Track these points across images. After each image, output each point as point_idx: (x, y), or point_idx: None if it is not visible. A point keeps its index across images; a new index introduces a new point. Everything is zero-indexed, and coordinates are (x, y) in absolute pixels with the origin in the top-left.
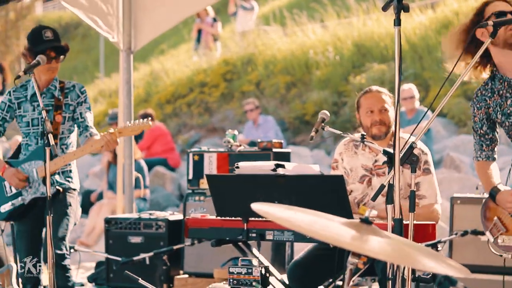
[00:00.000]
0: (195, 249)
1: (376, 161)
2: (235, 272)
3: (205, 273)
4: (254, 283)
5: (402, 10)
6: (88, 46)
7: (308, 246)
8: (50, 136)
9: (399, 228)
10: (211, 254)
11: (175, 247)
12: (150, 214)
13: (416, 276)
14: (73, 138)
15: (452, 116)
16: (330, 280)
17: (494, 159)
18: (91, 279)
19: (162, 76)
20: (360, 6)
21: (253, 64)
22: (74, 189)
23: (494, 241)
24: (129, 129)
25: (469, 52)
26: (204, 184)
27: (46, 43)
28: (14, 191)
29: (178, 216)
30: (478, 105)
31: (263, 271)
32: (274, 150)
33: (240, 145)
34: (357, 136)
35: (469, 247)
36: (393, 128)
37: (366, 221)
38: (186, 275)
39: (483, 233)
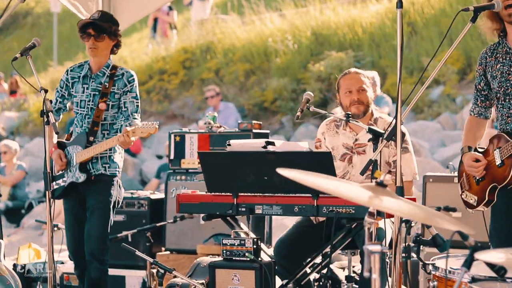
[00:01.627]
0: (177, 226)
1: (356, 139)
2: (229, 244)
3: (187, 250)
4: (247, 254)
5: None
6: (37, 35)
7: (292, 223)
8: (51, 115)
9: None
10: (193, 231)
11: (158, 224)
12: (132, 193)
13: (418, 238)
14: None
15: (408, 103)
16: (318, 252)
17: (486, 118)
18: None
19: (121, 64)
20: None
21: (212, 52)
22: (110, 175)
23: (461, 194)
24: (140, 130)
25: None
26: (185, 164)
27: (84, 22)
28: (59, 171)
29: (160, 195)
30: (479, 61)
31: (256, 243)
32: (254, 131)
33: (220, 126)
34: (340, 116)
35: None
36: (371, 108)
37: (381, 184)
38: (168, 252)
39: (455, 210)
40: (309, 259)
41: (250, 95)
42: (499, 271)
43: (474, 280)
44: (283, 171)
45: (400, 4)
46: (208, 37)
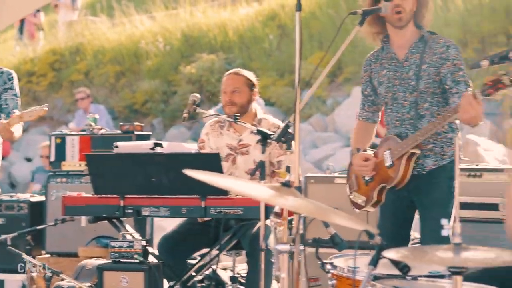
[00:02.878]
0: (57, 229)
1: (240, 140)
2: (117, 246)
3: (69, 253)
4: (135, 256)
5: None
6: None
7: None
8: None
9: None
10: (74, 234)
11: (38, 227)
12: (11, 196)
13: (317, 238)
14: None
15: (280, 105)
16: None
17: (374, 122)
18: None
19: None
20: None
21: (82, 54)
22: None
23: (349, 195)
24: (28, 114)
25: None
26: (66, 166)
27: None
28: None
29: (40, 198)
30: (364, 68)
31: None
32: (136, 132)
33: (102, 128)
34: (224, 117)
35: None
36: (252, 109)
37: (286, 184)
38: (48, 255)
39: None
40: (196, 261)
41: (120, 97)
42: (403, 268)
43: (376, 278)
44: (192, 173)
45: (299, 7)
46: (77, 39)
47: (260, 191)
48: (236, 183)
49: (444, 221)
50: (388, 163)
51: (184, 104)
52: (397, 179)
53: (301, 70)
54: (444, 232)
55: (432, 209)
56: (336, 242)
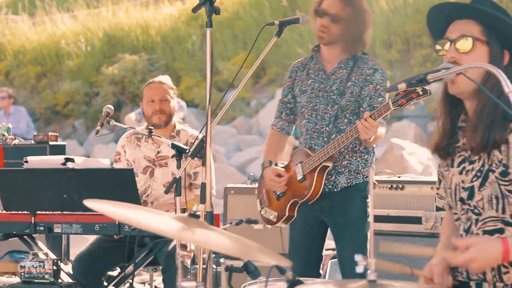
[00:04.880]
0: None
1: (159, 152)
2: (26, 266)
3: None
4: (46, 276)
5: (213, 13)
6: None
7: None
8: None
9: (210, 220)
10: None
11: None
12: None
13: (229, 266)
14: None
15: (203, 107)
16: (121, 267)
17: (288, 134)
18: None
19: None
20: None
21: (2, 54)
22: None
23: (261, 211)
24: None
25: None
26: None
27: None
28: None
29: None
30: (290, 74)
31: (55, 264)
32: (51, 143)
33: (15, 138)
34: (140, 129)
35: (243, 235)
36: (174, 119)
37: (194, 215)
38: None
39: (256, 222)
40: (111, 279)
41: (41, 98)
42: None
43: None
44: (90, 204)
45: (209, 24)
46: None
47: (166, 224)
48: (138, 213)
49: (358, 257)
50: (299, 177)
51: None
52: (309, 193)
53: (224, 71)
54: (359, 269)
55: (347, 231)
56: (249, 270)
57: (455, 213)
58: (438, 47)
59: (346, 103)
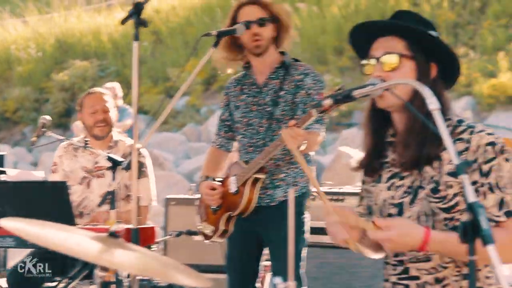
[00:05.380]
0: None
1: (97, 162)
2: None
3: None
4: None
5: (142, 26)
6: None
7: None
8: None
9: (136, 237)
10: None
11: None
12: None
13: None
14: None
15: (154, 114)
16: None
17: (227, 150)
18: None
19: None
20: (61, 2)
21: None
22: None
23: (199, 225)
24: None
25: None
26: None
27: None
28: None
29: None
30: (226, 92)
31: None
32: None
33: None
34: (77, 140)
35: (184, 247)
36: (114, 130)
37: (113, 235)
38: None
39: (197, 233)
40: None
41: None
42: None
43: None
44: (5, 223)
45: (136, 37)
46: None
47: (84, 246)
48: (54, 234)
49: (277, 280)
50: (233, 189)
51: (56, 112)
52: (241, 205)
53: (176, 77)
54: None
55: (280, 249)
56: None
57: None
58: (364, 64)
59: (281, 113)
